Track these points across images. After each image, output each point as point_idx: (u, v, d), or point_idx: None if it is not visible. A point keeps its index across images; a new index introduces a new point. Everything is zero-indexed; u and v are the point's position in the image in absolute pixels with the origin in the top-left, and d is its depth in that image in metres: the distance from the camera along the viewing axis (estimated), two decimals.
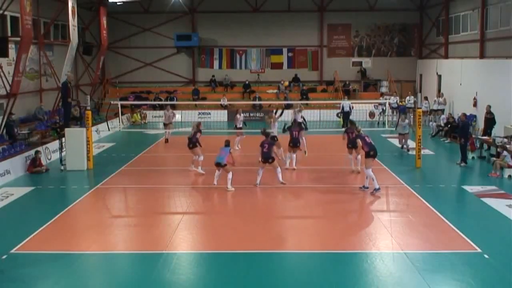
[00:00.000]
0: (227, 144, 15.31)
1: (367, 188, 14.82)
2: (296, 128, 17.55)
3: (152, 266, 9.60)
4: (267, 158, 15.08)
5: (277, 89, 34.15)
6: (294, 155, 17.38)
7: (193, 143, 16.91)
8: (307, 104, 30.47)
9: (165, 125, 23.48)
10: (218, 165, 15.01)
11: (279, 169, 15.28)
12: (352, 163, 17.22)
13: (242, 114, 21.79)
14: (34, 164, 17.67)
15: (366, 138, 14.87)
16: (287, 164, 17.43)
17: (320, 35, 35.08)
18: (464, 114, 19.34)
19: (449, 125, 23.74)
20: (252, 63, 35.52)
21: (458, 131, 19.01)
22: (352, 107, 27.17)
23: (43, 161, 18.36)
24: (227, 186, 14.89)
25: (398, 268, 9.53)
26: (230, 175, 14.92)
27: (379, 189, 14.44)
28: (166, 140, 23.46)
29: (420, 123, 18.17)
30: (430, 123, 26.82)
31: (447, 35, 30.01)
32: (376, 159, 18.42)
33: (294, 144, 17.25)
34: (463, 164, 17.89)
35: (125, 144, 23.72)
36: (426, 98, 29.11)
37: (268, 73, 35.41)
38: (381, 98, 31.10)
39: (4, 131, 19.96)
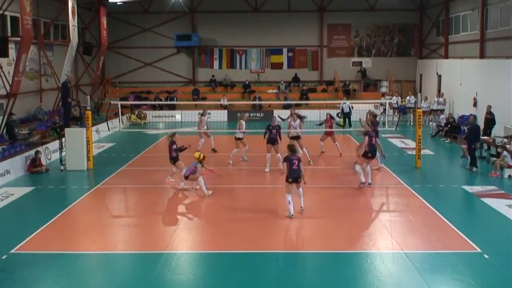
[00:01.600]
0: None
1: (370, 184, 15.18)
2: (276, 127, 17.52)
3: (152, 266, 9.60)
4: (297, 177, 12.68)
5: (277, 89, 34.16)
6: (278, 155, 16.82)
7: (173, 158, 15.37)
8: (306, 104, 30.63)
9: (202, 132, 20.33)
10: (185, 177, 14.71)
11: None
12: (368, 176, 15.33)
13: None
14: (34, 164, 17.67)
15: (373, 138, 15.14)
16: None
17: (320, 35, 35.06)
18: (474, 117, 19.39)
19: (449, 125, 23.74)
20: (252, 63, 35.50)
21: (469, 135, 17.83)
22: (352, 107, 27.19)
23: (43, 161, 18.35)
24: (204, 192, 14.42)
25: (398, 268, 9.53)
26: (201, 182, 14.41)
27: (364, 183, 14.84)
28: (214, 150, 20.36)
29: (420, 123, 18.18)
30: (430, 123, 26.83)
31: (447, 35, 29.99)
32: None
33: (272, 142, 17.26)
34: (474, 169, 17.25)
35: (125, 144, 23.71)
36: (426, 99, 29.10)
37: (268, 73, 35.38)
38: (382, 98, 31.12)
39: (4, 131, 19.95)
